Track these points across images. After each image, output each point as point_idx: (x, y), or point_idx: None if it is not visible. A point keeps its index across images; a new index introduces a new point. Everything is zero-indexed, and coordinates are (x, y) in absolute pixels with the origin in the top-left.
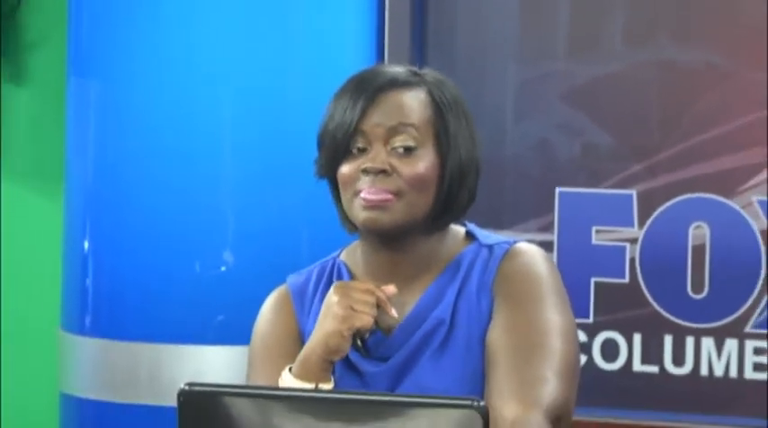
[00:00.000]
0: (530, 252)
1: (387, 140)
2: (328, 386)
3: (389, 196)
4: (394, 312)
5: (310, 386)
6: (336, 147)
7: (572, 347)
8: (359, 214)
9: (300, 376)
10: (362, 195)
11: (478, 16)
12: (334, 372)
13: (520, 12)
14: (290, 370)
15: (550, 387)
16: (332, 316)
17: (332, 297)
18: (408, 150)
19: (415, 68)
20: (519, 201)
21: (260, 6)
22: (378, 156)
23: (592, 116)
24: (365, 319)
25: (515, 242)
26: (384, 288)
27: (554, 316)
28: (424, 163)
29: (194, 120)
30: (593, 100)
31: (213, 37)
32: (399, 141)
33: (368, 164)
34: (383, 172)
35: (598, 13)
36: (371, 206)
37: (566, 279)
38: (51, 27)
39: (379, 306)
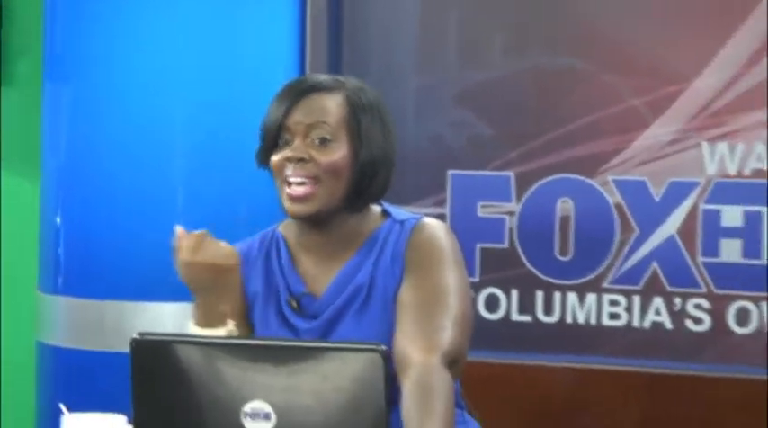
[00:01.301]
0: (434, 226)
1: (306, 134)
2: (229, 328)
3: (310, 189)
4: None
5: (218, 331)
6: (268, 139)
7: (466, 303)
8: (286, 204)
9: (203, 324)
10: (288, 190)
11: (385, 34)
12: (252, 324)
13: (419, 30)
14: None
15: (447, 334)
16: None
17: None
18: (324, 142)
19: (339, 77)
20: (419, 182)
21: (207, 28)
22: (298, 147)
23: (477, 113)
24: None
25: (422, 217)
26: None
27: (452, 278)
28: (338, 153)
29: (151, 116)
30: (478, 100)
31: (166, 48)
32: (316, 134)
33: (289, 154)
34: (302, 160)
35: (482, 31)
36: (295, 199)
37: None
38: (30, 38)
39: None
